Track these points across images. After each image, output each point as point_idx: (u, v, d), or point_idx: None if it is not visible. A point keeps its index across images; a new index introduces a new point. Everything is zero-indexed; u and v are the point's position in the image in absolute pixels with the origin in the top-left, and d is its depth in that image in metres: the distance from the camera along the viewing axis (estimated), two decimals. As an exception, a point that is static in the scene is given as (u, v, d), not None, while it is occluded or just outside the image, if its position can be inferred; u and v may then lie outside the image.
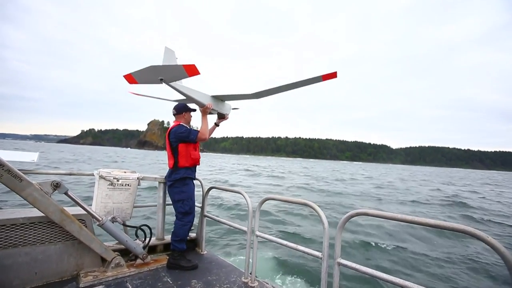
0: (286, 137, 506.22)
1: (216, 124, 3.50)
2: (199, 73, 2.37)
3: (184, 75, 2.47)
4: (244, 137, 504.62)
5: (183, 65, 2.35)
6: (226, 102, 3.45)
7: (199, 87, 3.08)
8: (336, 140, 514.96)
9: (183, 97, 3.17)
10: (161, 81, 2.54)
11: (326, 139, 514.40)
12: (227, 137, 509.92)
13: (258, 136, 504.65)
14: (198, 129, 3.13)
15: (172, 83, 2.69)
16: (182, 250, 3.03)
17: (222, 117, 3.49)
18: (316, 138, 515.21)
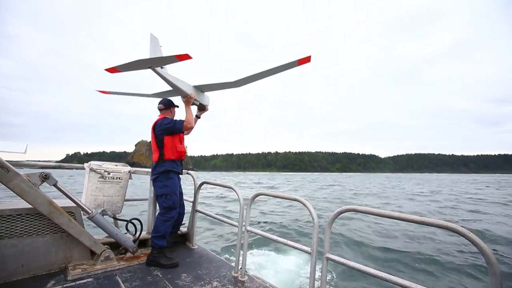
0: (276, 152, 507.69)
1: (197, 116, 3.48)
2: (191, 57, 2.33)
3: (176, 60, 2.46)
4: (234, 153, 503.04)
5: (175, 56, 2.32)
6: (206, 93, 3.44)
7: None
8: (325, 152, 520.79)
9: (159, 91, 3.16)
10: (149, 67, 2.56)
11: (316, 152, 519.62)
12: (217, 154, 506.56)
13: (248, 152, 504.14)
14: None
15: (159, 70, 2.72)
16: (162, 247, 2.91)
17: (202, 108, 3.48)
18: (306, 151, 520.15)
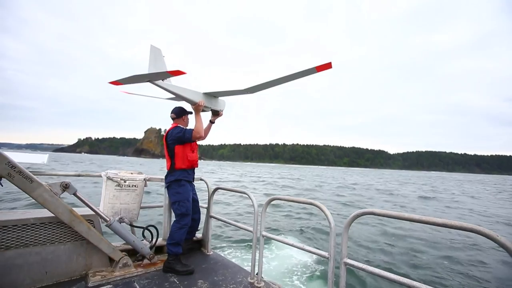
0: (284, 143, 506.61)
1: (211, 122, 3.45)
2: (185, 73, 2.40)
3: (169, 76, 2.56)
4: (242, 144, 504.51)
5: (168, 71, 2.45)
6: (220, 98, 3.37)
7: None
8: (333, 146, 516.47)
9: (172, 96, 3.15)
10: (147, 81, 2.61)
11: (324, 145, 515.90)
12: (224, 144, 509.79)
13: (255, 143, 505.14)
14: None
15: (159, 83, 2.72)
16: (177, 253, 2.92)
17: (216, 114, 3.43)
18: (314, 144, 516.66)
